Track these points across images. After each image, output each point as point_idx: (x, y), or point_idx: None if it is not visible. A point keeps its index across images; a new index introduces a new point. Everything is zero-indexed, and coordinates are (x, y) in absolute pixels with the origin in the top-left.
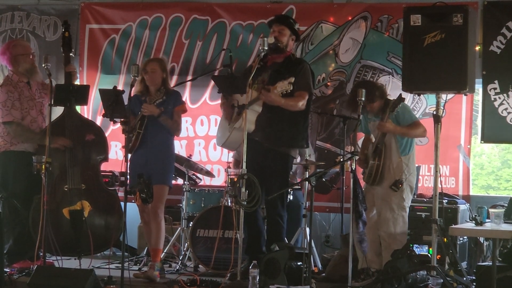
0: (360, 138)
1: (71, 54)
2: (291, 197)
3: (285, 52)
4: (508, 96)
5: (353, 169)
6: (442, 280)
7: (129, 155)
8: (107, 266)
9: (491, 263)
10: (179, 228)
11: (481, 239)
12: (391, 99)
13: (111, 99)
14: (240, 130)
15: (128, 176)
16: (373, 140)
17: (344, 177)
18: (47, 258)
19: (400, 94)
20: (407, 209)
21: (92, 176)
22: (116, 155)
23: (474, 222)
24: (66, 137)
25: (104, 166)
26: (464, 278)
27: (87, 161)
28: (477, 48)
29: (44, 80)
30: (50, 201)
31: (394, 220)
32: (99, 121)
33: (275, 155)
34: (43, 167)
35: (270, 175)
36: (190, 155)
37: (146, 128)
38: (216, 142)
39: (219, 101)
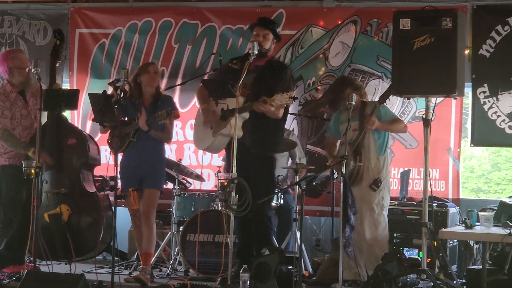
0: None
1: (57, 64)
2: (282, 201)
3: (267, 55)
4: (497, 99)
5: (344, 172)
6: (432, 284)
7: (120, 159)
8: (98, 271)
9: (481, 266)
10: (169, 232)
11: (471, 242)
12: (367, 101)
13: (100, 103)
14: (227, 136)
15: (119, 180)
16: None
17: (335, 181)
18: (37, 263)
19: (387, 89)
20: (387, 209)
21: (73, 180)
22: (106, 159)
23: (464, 225)
24: (46, 144)
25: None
26: (454, 282)
27: (69, 165)
28: (467, 51)
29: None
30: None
31: (375, 221)
32: (89, 125)
33: (261, 159)
34: (33, 171)
35: (257, 177)
36: (180, 159)
37: (138, 135)
38: (197, 145)
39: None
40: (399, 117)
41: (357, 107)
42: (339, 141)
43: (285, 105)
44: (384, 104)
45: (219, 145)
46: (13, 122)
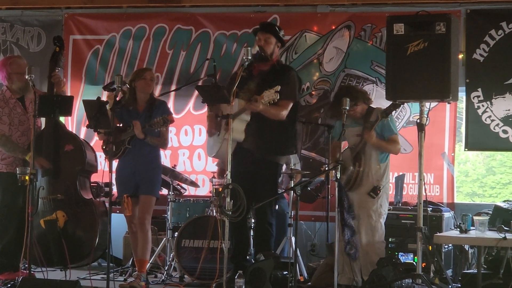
0: (345, 146)
1: (56, 70)
2: (276, 207)
3: (271, 60)
4: (491, 103)
5: (338, 177)
6: None
7: (115, 165)
8: (93, 277)
9: (476, 271)
10: (164, 238)
11: (466, 247)
12: (374, 107)
13: (95, 110)
14: (232, 140)
15: (114, 186)
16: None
17: (329, 186)
18: (32, 269)
19: (396, 101)
20: (385, 216)
21: (69, 187)
22: (101, 166)
23: (458, 229)
24: (43, 149)
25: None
26: (450, 286)
27: (65, 171)
28: (460, 56)
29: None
30: (31, 212)
31: (372, 228)
32: (83, 132)
33: (265, 164)
34: (27, 178)
35: (261, 183)
36: (175, 165)
37: (134, 142)
38: (208, 153)
39: (204, 111)
40: (397, 138)
41: (362, 113)
42: (343, 143)
43: (272, 101)
44: (388, 118)
45: (226, 150)
46: (12, 128)
